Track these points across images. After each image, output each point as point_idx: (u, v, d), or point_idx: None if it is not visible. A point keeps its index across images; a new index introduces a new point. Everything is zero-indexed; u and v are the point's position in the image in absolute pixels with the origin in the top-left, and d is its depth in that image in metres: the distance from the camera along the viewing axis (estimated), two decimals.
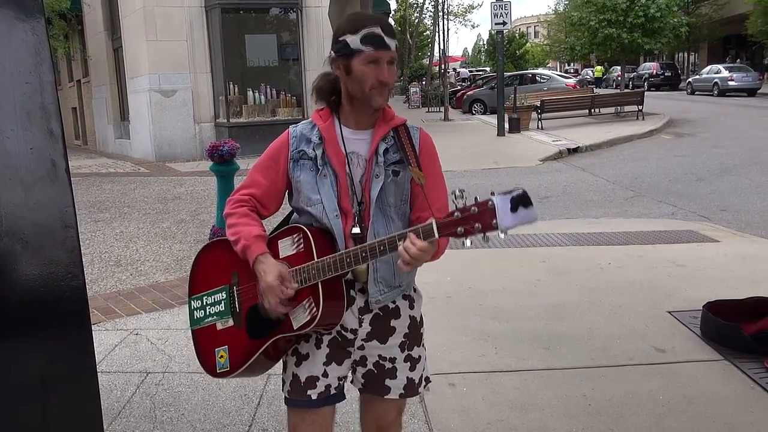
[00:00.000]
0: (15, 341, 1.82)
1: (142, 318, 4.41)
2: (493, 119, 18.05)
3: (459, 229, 1.52)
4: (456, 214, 1.54)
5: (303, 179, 1.83)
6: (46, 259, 1.85)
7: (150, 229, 7.31)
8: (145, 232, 7.16)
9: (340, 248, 1.76)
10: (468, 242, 1.53)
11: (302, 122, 1.92)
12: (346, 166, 1.81)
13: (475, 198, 1.52)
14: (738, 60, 33.54)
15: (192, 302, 1.98)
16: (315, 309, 1.71)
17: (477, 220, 1.50)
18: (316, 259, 1.72)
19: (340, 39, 1.75)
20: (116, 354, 3.81)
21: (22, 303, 1.82)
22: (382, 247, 1.64)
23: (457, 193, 1.53)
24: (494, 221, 1.48)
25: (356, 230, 1.78)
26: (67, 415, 1.94)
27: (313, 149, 1.83)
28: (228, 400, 3.21)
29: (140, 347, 3.90)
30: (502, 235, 1.49)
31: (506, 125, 16.15)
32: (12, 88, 1.81)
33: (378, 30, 1.71)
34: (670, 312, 4.16)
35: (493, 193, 1.50)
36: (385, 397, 1.92)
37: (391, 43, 1.73)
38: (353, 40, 1.71)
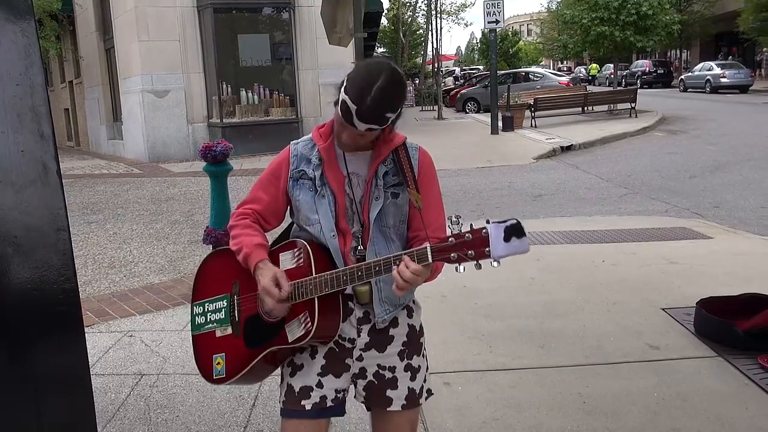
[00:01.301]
0: (8, 344, 1.81)
1: (136, 320, 4.40)
2: (486, 117, 18.07)
3: (453, 255, 1.56)
4: (450, 239, 1.56)
5: (302, 199, 1.86)
6: (38, 262, 1.84)
7: (144, 231, 7.28)
8: (138, 234, 7.14)
9: (338, 265, 1.79)
10: (462, 268, 1.57)
11: (302, 139, 1.93)
12: (347, 186, 1.83)
13: (471, 225, 1.56)
14: (730, 57, 33.66)
15: (194, 308, 2.01)
16: (310, 324, 1.73)
17: (470, 247, 1.53)
18: (314, 275, 1.75)
19: (341, 97, 1.67)
20: (110, 356, 3.80)
21: (15, 306, 1.81)
22: (377, 268, 1.67)
23: (453, 218, 1.56)
24: (487, 249, 1.51)
25: (361, 251, 1.81)
26: (61, 418, 1.93)
27: (313, 170, 1.85)
28: (223, 401, 3.20)
29: (134, 349, 3.88)
30: (495, 264, 1.52)
31: (500, 123, 16.16)
32: (2, 90, 1.80)
33: (354, 108, 1.63)
34: (663, 309, 4.17)
35: (488, 221, 1.53)
36: (388, 409, 1.90)
37: (361, 126, 1.65)
38: (343, 98, 1.66)
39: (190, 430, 2.97)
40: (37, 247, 1.85)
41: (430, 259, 1.59)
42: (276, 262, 1.83)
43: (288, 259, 1.82)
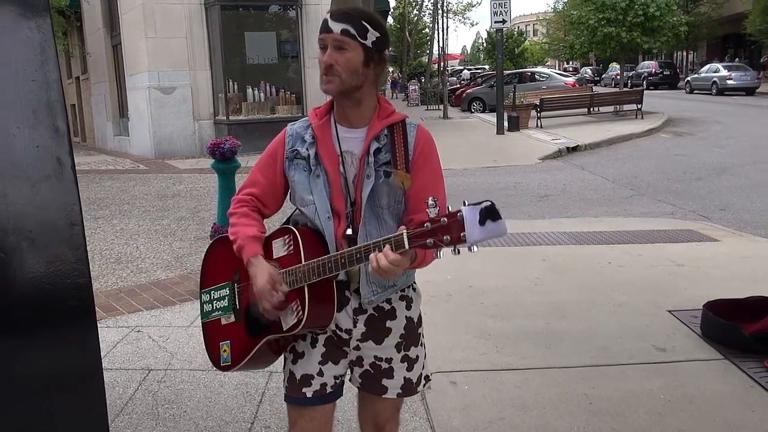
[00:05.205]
0: (21, 339, 1.83)
1: (144, 315, 4.42)
2: (492, 117, 18.05)
3: (429, 240, 1.50)
4: (426, 224, 1.50)
5: (297, 179, 1.84)
6: (52, 257, 1.86)
7: (150, 227, 7.31)
8: (145, 230, 7.16)
9: (331, 250, 1.77)
10: (440, 254, 1.51)
11: (300, 120, 1.92)
12: (340, 165, 1.80)
13: (448, 208, 1.50)
14: (737, 59, 33.55)
15: (202, 296, 2.05)
16: (301, 312, 1.73)
17: (446, 232, 1.47)
18: (303, 262, 1.73)
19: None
20: (118, 351, 3.82)
21: (29, 300, 1.83)
22: (358, 255, 1.62)
23: (430, 202, 1.51)
24: (463, 234, 1.45)
25: (349, 232, 1.78)
26: (73, 412, 1.95)
27: (307, 149, 1.83)
28: (230, 398, 3.22)
29: (142, 344, 3.90)
30: (474, 249, 1.46)
31: (505, 123, 16.16)
32: (17, 86, 1.82)
33: (327, 17, 1.73)
34: (670, 311, 4.17)
35: (464, 203, 1.47)
36: (383, 396, 1.93)
37: (336, 26, 1.70)
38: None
39: (197, 426, 2.99)
40: (51, 241, 1.86)
41: (407, 246, 1.53)
42: (270, 249, 1.83)
43: (280, 247, 1.81)
